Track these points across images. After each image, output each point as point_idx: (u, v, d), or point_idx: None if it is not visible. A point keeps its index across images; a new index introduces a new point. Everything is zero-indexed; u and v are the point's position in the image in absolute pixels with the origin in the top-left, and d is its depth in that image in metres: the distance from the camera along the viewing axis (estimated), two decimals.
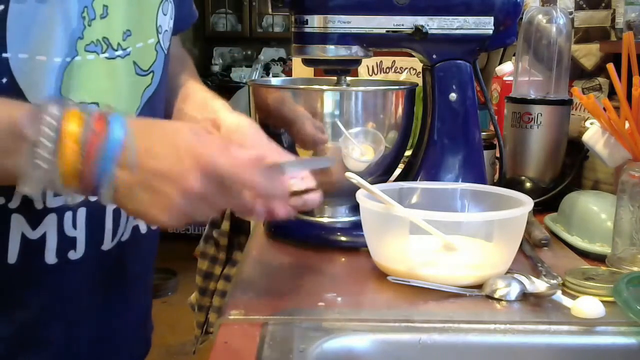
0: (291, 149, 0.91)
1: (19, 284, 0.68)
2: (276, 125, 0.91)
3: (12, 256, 0.67)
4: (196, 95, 0.86)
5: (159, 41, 0.75)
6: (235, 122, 0.77)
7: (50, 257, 0.68)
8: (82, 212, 0.70)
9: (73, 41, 0.65)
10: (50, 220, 0.68)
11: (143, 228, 0.79)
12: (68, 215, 0.69)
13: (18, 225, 0.66)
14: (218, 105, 0.81)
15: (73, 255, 0.70)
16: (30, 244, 0.67)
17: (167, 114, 0.83)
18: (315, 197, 0.72)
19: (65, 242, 0.69)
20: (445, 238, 0.77)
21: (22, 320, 0.69)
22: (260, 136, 0.76)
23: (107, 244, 0.73)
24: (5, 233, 0.66)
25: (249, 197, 0.63)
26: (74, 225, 0.69)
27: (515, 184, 1.11)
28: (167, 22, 0.77)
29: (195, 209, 0.60)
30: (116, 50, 0.70)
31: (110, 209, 0.73)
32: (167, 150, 0.59)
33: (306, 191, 0.73)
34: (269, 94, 0.94)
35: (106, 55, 0.69)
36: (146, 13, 0.73)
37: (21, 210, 0.66)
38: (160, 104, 0.79)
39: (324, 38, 0.90)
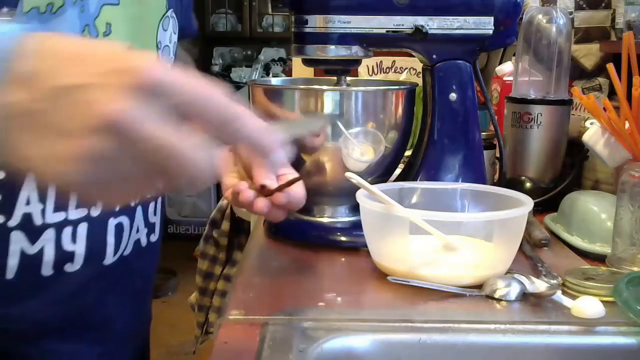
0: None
1: (15, 298, 0.68)
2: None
3: (11, 272, 0.66)
4: None
5: (158, 57, 0.75)
6: None
7: (47, 270, 0.68)
8: (83, 227, 0.69)
9: None
10: (49, 235, 0.67)
11: (144, 241, 0.79)
12: (67, 230, 0.68)
13: (17, 242, 0.66)
14: None
15: (69, 267, 0.70)
16: (28, 258, 0.67)
17: None
18: (299, 190, 0.70)
19: (63, 256, 0.69)
20: (445, 238, 0.77)
21: (20, 333, 0.69)
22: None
23: (109, 259, 0.73)
24: (5, 250, 0.65)
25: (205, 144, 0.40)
26: (73, 240, 0.69)
27: (515, 184, 1.11)
28: (167, 37, 0.77)
29: (121, 154, 0.38)
30: None
31: (112, 223, 0.72)
32: (82, 60, 0.39)
33: (288, 183, 0.70)
34: (269, 94, 0.94)
35: None
36: (147, 30, 0.73)
37: (21, 227, 0.65)
38: None
39: (324, 38, 0.90)
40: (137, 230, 0.77)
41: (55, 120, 0.38)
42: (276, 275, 0.84)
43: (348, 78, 0.96)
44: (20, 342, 0.69)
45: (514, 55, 1.30)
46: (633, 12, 1.25)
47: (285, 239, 0.94)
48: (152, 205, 0.79)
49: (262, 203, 0.70)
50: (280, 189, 0.70)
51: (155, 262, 0.85)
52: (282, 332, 0.66)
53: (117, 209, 0.73)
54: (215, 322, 0.68)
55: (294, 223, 0.96)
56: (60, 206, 0.67)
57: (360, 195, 0.80)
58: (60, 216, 0.68)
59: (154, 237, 0.81)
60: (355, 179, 0.78)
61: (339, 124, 0.89)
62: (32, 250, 0.66)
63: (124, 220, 0.74)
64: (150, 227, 0.80)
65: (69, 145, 0.37)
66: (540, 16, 1.18)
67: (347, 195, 0.86)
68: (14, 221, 0.65)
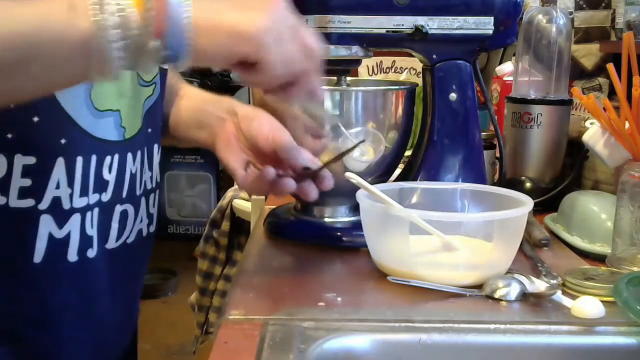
0: None
1: (42, 283, 0.69)
2: None
3: (39, 255, 0.68)
4: (203, 94, 0.90)
5: None
6: (251, 110, 0.83)
7: (72, 255, 0.70)
8: (96, 212, 0.71)
9: None
10: (75, 219, 0.69)
11: (145, 231, 0.80)
12: (89, 214, 0.70)
13: (46, 226, 0.67)
14: (231, 100, 0.86)
15: (90, 253, 0.71)
16: (56, 242, 0.68)
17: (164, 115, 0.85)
18: (328, 175, 0.76)
19: (85, 241, 0.71)
20: (445, 238, 0.77)
21: (44, 320, 0.70)
22: (276, 122, 0.80)
23: (112, 243, 0.74)
24: (34, 233, 0.67)
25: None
26: (92, 224, 0.71)
27: (515, 184, 1.11)
28: None
29: (283, 25, 0.61)
30: None
31: (117, 210, 0.74)
32: None
33: (320, 169, 0.76)
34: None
35: None
36: None
37: (50, 210, 0.67)
38: (159, 113, 0.82)
39: (324, 38, 0.90)
40: (141, 220, 0.79)
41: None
42: (276, 275, 0.84)
43: (348, 78, 0.96)
44: (34, 327, 0.70)
45: (514, 55, 1.30)
46: (633, 12, 1.25)
47: (285, 239, 0.94)
48: (152, 196, 0.81)
49: (311, 186, 0.77)
50: (330, 162, 0.76)
51: (150, 253, 0.87)
52: (282, 332, 0.66)
53: (124, 195, 0.74)
54: (215, 322, 0.68)
55: (294, 223, 0.96)
56: (84, 191, 0.69)
57: (360, 195, 0.80)
58: (84, 201, 0.69)
59: (152, 228, 0.83)
60: (355, 179, 0.78)
61: (339, 124, 0.89)
62: (59, 234, 0.68)
63: (129, 208, 0.76)
64: (150, 218, 0.82)
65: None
66: (540, 16, 1.18)
67: (347, 195, 0.86)
68: (43, 204, 0.67)
